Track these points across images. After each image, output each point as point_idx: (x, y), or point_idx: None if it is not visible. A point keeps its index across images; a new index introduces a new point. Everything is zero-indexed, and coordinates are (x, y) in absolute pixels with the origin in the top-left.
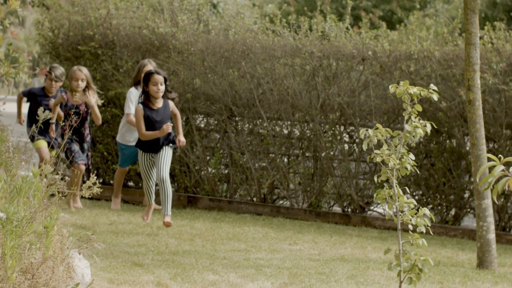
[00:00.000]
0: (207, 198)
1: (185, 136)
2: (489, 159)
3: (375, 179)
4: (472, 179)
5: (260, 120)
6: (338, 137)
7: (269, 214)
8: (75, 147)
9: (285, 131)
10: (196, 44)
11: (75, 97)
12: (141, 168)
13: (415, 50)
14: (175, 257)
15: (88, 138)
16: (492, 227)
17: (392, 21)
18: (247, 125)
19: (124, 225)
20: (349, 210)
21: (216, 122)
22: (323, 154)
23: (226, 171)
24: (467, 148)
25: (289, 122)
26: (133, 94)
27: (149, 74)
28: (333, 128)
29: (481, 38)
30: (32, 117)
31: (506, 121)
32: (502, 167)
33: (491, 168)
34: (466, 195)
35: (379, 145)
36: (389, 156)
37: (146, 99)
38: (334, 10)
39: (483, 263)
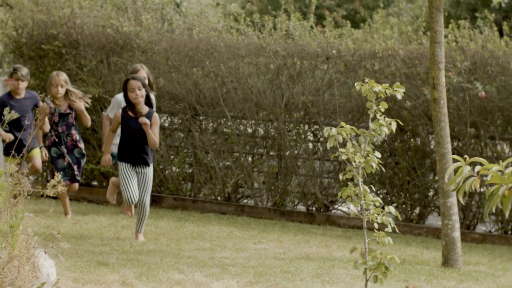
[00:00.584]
0: (171, 197)
1: None
2: (454, 160)
3: (340, 177)
4: (436, 178)
5: (224, 119)
6: (303, 136)
7: (234, 213)
8: (61, 164)
9: (249, 130)
10: (160, 43)
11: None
12: (121, 179)
13: (379, 48)
14: (140, 256)
15: (80, 144)
16: (457, 225)
17: (355, 20)
18: (211, 124)
19: (88, 224)
20: (314, 209)
21: (180, 121)
22: (287, 153)
23: (190, 170)
24: (432, 147)
25: (253, 121)
26: (117, 100)
27: (125, 81)
28: (297, 127)
29: (445, 36)
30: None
31: (470, 119)
32: (469, 168)
33: (456, 168)
34: (431, 194)
35: (343, 144)
36: (354, 154)
37: (128, 107)
38: (297, 9)
39: (448, 262)
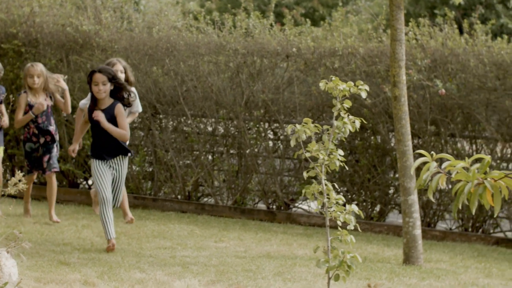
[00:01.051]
0: (132, 196)
1: None
2: (421, 155)
3: (304, 174)
4: (397, 175)
5: (184, 118)
6: (263, 134)
7: (194, 212)
8: (34, 157)
9: (210, 129)
10: (120, 41)
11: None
12: (94, 177)
13: (339, 46)
14: (101, 255)
15: (57, 136)
16: (418, 223)
17: (314, 18)
18: (171, 122)
19: (49, 223)
20: (274, 207)
21: (140, 119)
22: (247, 151)
23: (150, 169)
24: (392, 144)
25: (213, 119)
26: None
27: (90, 73)
28: (257, 125)
29: (405, 34)
30: None
31: (430, 117)
32: (435, 164)
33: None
34: (391, 191)
35: (305, 142)
36: (318, 152)
37: (92, 100)
38: (256, 7)
39: (409, 259)
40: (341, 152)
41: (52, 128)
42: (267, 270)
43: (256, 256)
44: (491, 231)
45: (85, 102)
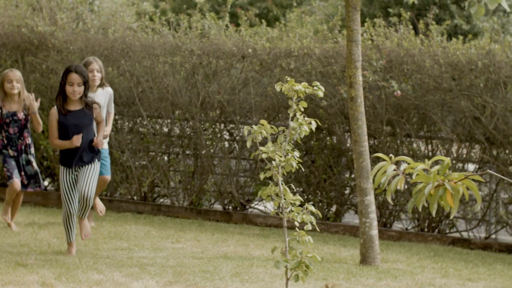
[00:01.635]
0: None
1: None
2: (378, 159)
3: (261, 176)
4: (353, 176)
5: (140, 119)
6: (219, 135)
7: (150, 213)
8: (12, 163)
9: (165, 129)
10: (75, 42)
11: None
12: (61, 187)
13: (295, 47)
14: (58, 256)
15: (31, 150)
16: (375, 223)
17: (268, 19)
18: (127, 123)
19: (4, 225)
20: (230, 207)
21: None
22: (203, 152)
23: None
24: (348, 145)
25: (169, 120)
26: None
27: (66, 72)
28: (213, 126)
29: (361, 35)
30: None
31: (386, 117)
32: (394, 167)
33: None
34: (347, 192)
35: (261, 143)
36: (274, 153)
37: (60, 100)
38: (210, 7)
39: (366, 259)
40: (297, 153)
41: (26, 141)
42: (224, 271)
43: (213, 257)
44: (447, 231)
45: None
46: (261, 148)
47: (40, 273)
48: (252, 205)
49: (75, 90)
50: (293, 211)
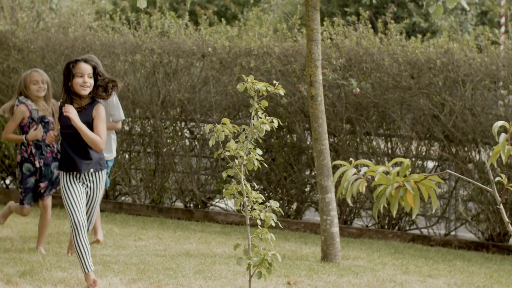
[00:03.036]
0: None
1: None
2: (339, 156)
3: (223, 174)
4: (313, 173)
5: None
6: (179, 133)
7: (112, 211)
8: (31, 182)
9: (126, 128)
10: (36, 41)
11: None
12: (64, 197)
13: (255, 46)
14: (21, 255)
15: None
16: (336, 220)
17: (226, 17)
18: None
19: None
20: (191, 205)
21: None
22: (164, 150)
23: None
24: (308, 143)
25: (130, 119)
26: None
27: (71, 63)
28: (174, 124)
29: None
30: None
31: (346, 115)
32: (354, 170)
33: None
34: (307, 189)
35: (223, 141)
36: (237, 151)
37: (68, 98)
38: (169, 6)
39: (327, 256)
40: (259, 151)
41: (56, 147)
42: (187, 268)
43: (176, 254)
44: (407, 228)
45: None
46: (227, 145)
47: (5, 271)
48: (213, 202)
49: (86, 81)
50: (255, 209)
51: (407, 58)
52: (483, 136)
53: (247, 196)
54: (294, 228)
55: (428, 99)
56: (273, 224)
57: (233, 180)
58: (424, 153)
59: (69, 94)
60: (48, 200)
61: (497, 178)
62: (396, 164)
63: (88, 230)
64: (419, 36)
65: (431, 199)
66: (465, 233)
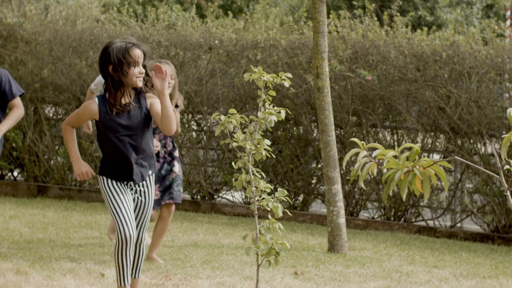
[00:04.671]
0: (57, 187)
1: (34, 125)
2: (345, 148)
3: (233, 164)
4: (319, 165)
5: None
6: (186, 125)
7: None
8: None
9: None
10: (44, 34)
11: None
12: (108, 204)
13: (261, 38)
14: (30, 245)
15: (174, 153)
16: (342, 211)
17: (232, 10)
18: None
19: None
20: (199, 197)
21: (64, 111)
22: None
23: None
24: (314, 135)
25: None
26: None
27: (121, 49)
28: (181, 116)
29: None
30: None
31: (352, 107)
32: (365, 153)
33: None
34: (314, 181)
35: (231, 132)
36: (245, 142)
37: (113, 92)
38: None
39: (334, 247)
40: (267, 141)
41: (166, 150)
42: (195, 258)
43: (183, 245)
44: (413, 220)
45: (96, 88)
46: (235, 136)
47: (14, 261)
48: (220, 194)
49: (142, 70)
50: (263, 198)
51: (413, 51)
52: (489, 128)
53: (255, 186)
54: (301, 219)
55: (434, 91)
56: (281, 214)
57: (242, 170)
58: (430, 145)
59: (116, 86)
60: (171, 207)
61: (506, 166)
62: (405, 151)
63: (135, 275)
64: (425, 29)
65: (443, 184)
66: (471, 225)
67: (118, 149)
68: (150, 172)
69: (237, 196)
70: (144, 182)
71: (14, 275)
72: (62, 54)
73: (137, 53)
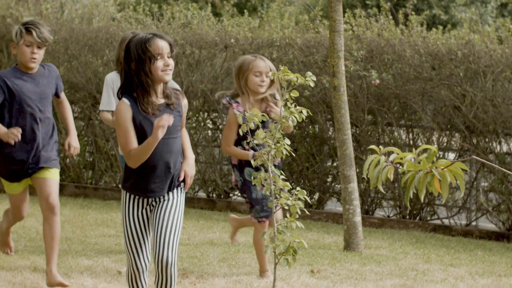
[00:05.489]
0: (73, 185)
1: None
2: (360, 147)
3: (252, 162)
4: (335, 164)
5: None
6: (202, 124)
7: None
8: (257, 192)
9: None
10: (60, 32)
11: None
12: (124, 230)
13: (277, 37)
14: None
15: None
16: (358, 210)
17: (246, 8)
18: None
19: None
20: (214, 195)
21: (80, 109)
22: None
23: (91, 158)
24: (330, 133)
25: None
26: (114, 80)
27: (143, 40)
28: (196, 115)
29: None
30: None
31: (367, 106)
32: (384, 157)
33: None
34: (329, 180)
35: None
36: (265, 140)
37: (142, 92)
38: None
39: (350, 245)
40: (287, 141)
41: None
42: (211, 256)
43: (200, 243)
44: (428, 218)
45: (109, 101)
46: (255, 134)
47: (31, 259)
48: (236, 193)
49: (168, 63)
50: (281, 197)
51: (428, 50)
52: (504, 127)
53: (274, 184)
54: (316, 218)
55: (449, 90)
56: (299, 212)
57: (261, 168)
58: (445, 144)
59: (146, 85)
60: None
61: None
62: (422, 152)
63: (168, 264)
64: (440, 27)
65: (459, 184)
66: (486, 223)
67: (152, 155)
68: (182, 185)
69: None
70: (173, 193)
71: (32, 273)
72: (78, 53)
73: (160, 44)
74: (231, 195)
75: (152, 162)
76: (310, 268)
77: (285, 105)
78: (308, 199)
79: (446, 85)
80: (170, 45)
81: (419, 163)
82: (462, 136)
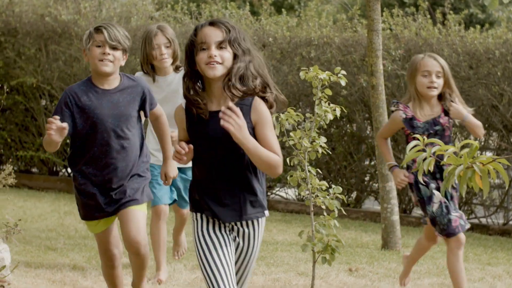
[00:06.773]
0: None
1: None
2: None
3: (288, 161)
4: (373, 163)
5: None
6: None
7: None
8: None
9: None
10: None
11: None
12: (199, 257)
13: (315, 36)
14: (86, 241)
15: None
16: (396, 208)
17: (284, 7)
18: None
19: (31, 210)
20: None
21: None
22: None
23: None
24: (368, 132)
25: None
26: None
27: (193, 32)
28: None
29: None
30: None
31: None
32: (429, 148)
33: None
34: (367, 178)
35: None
36: (301, 139)
37: (196, 92)
38: None
39: (387, 244)
40: (323, 139)
41: None
42: None
43: None
44: (466, 217)
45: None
46: (291, 134)
47: (70, 256)
48: (274, 191)
49: (213, 55)
50: (318, 196)
51: (466, 49)
52: None
53: (310, 183)
54: (354, 216)
55: (487, 89)
56: (336, 211)
57: (297, 167)
58: (483, 143)
59: (194, 80)
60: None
61: None
62: (464, 147)
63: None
64: (478, 27)
65: (503, 178)
66: None
67: (201, 167)
68: (265, 212)
69: (290, 193)
70: (244, 227)
71: (71, 271)
72: None
73: (206, 31)
74: (268, 193)
75: (211, 176)
76: (348, 267)
77: (319, 103)
78: (344, 197)
79: (483, 84)
80: (225, 31)
81: (460, 157)
82: (500, 135)
